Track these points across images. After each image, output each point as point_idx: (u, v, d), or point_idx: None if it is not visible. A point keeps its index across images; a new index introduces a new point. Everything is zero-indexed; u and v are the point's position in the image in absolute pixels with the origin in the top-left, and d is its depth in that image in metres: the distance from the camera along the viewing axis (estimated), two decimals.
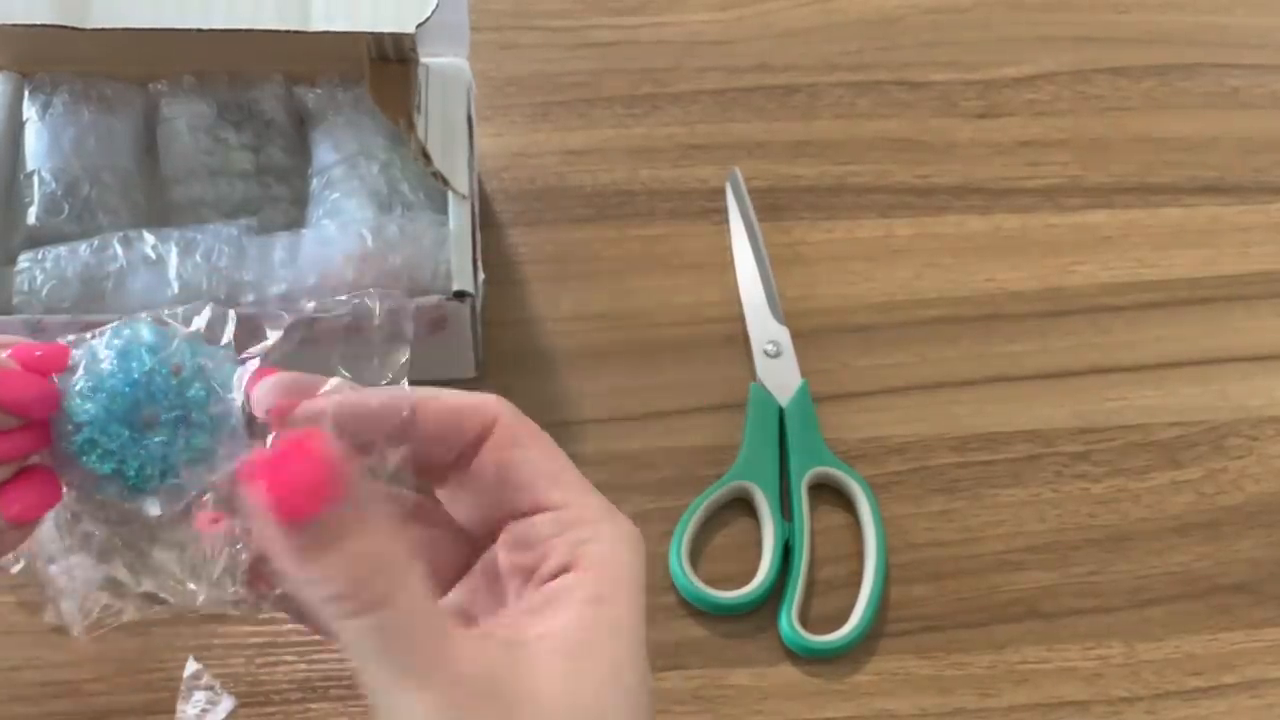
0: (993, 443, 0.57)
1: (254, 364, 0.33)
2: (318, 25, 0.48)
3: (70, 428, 0.32)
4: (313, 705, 0.50)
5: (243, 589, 0.33)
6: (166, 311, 0.34)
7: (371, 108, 0.54)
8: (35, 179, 0.52)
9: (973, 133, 0.65)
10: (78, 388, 0.32)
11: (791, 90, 0.66)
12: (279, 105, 0.56)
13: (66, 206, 0.52)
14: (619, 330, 0.59)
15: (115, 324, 0.33)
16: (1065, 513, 0.55)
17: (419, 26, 0.48)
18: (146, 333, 0.32)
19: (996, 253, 0.62)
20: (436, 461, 0.33)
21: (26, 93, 0.54)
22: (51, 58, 0.54)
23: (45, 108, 0.53)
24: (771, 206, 0.62)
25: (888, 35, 0.67)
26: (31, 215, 0.52)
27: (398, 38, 0.50)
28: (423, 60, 0.53)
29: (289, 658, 0.51)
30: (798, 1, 0.68)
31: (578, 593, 0.31)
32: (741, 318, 0.59)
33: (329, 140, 0.55)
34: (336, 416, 0.30)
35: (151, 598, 0.35)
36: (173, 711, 0.49)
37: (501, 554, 0.33)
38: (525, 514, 0.32)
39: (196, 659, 0.50)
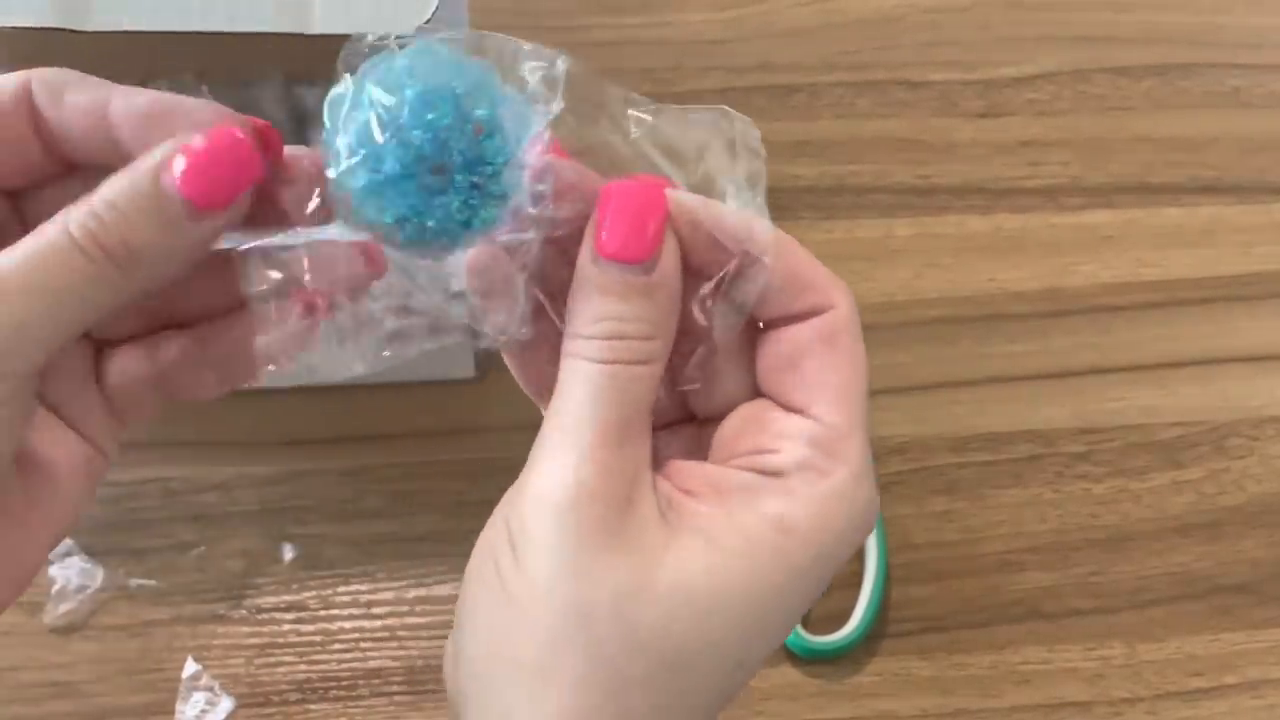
0: (993, 443, 0.57)
1: (545, 133, 0.29)
2: (318, 28, 0.48)
3: (351, 167, 0.28)
4: (312, 706, 0.50)
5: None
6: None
7: None
8: None
9: (973, 132, 0.65)
10: (368, 125, 0.28)
11: (791, 90, 0.65)
12: (278, 105, 0.56)
13: None
14: None
15: (415, 45, 0.30)
16: (1066, 513, 0.55)
17: (419, 29, 0.48)
18: (452, 76, 0.29)
19: (997, 253, 0.62)
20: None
21: None
22: (52, 57, 0.54)
23: None
24: (771, 206, 0.61)
25: (887, 35, 0.67)
26: None
27: (397, 37, 0.50)
28: None
29: (288, 659, 0.51)
30: (797, 1, 0.68)
31: (772, 510, 0.27)
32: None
33: None
34: (684, 219, 0.28)
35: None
36: (172, 712, 0.49)
37: (732, 420, 0.30)
38: (784, 407, 0.29)
39: (196, 660, 0.50)
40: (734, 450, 0.30)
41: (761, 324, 0.30)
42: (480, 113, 0.28)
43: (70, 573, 0.51)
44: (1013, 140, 0.65)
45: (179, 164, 0.27)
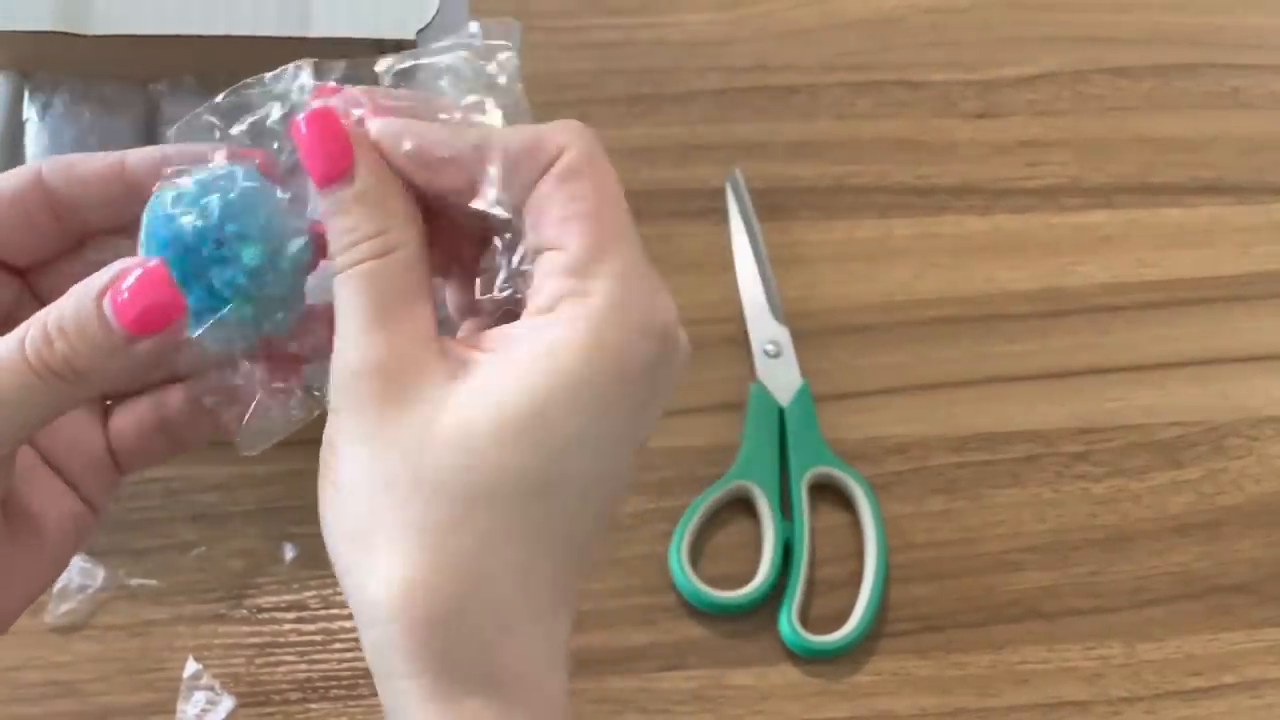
0: (992, 443, 0.57)
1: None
2: (319, 31, 0.48)
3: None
4: (313, 705, 0.50)
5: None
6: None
7: None
8: None
9: (972, 133, 0.65)
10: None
11: (791, 91, 0.66)
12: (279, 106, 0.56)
13: None
14: None
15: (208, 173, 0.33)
16: (1065, 513, 0.55)
17: (420, 33, 0.48)
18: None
19: (996, 253, 0.62)
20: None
21: (27, 93, 0.54)
22: (52, 60, 0.54)
23: (45, 108, 0.54)
24: (771, 207, 0.62)
25: (887, 35, 0.67)
26: None
27: (398, 41, 0.50)
28: (422, 60, 0.53)
29: (289, 658, 0.51)
30: (797, 2, 0.68)
31: (543, 338, 0.29)
32: (741, 318, 0.59)
33: None
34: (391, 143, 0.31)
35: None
36: (173, 712, 0.49)
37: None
38: (543, 248, 0.31)
39: (196, 659, 0.50)
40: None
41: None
42: (230, 228, 0.32)
43: (71, 572, 0.51)
44: (1012, 141, 0.65)
45: (124, 286, 0.30)
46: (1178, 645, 0.53)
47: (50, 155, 0.52)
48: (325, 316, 0.32)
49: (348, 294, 0.30)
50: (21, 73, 0.54)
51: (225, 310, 0.32)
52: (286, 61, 0.56)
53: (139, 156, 0.33)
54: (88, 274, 0.31)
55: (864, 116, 0.65)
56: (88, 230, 0.34)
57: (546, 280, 0.30)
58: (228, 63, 0.55)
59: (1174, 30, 0.69)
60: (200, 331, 0.32)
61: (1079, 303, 0.61)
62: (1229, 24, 0.69)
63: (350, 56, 0.52)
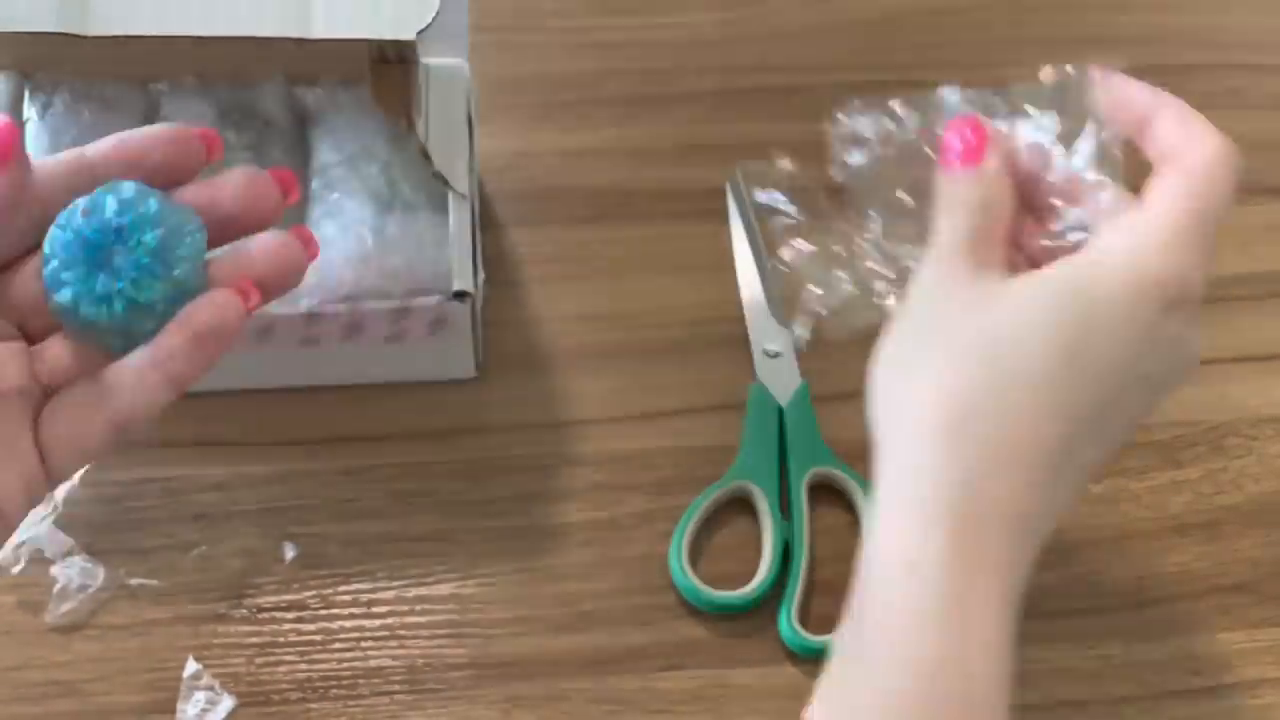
0: None
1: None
2: (319, 32, 0.48)
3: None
4: (313, 705, 0.50)
5: None
6: None
7: (372, 108, 0.54)
8: None
9: None
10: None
11: (791, 91, 0.66)
12: (279, 106, 0.56)
13: None
14: (619, 330, 0.59)
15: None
16: (1064, 512, 0.55)
17: (420, 34, 0.48)
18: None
19: None
20: None
21: (27, 93, 0.54)
22: (53, 60, 0.54)
23: (46, 108, 0.54)
24: (771, 207, 0.62)
25: (887, 36, 0.67)
26: None
27: (398, 42, 0.50)
28: (423, 61, 0.53)
29: (289, 658, 0.51)
30: (797, 3, 0.68)
31: (1096, 245, 0.38)
32: (741, 318, 0.59)
33: (329, 140, 0.55)
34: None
35: None
36: (173, 711, 0.49)
37: None
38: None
39: (197, 659, 0.50)
40: None
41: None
42: (130, 217, 0.36)
43: (72, 572, 0.51)
44: None
45: None
46: (1177, 645, 0.53)
47: (51, 154, 0.52)
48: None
49: (965, 210, 0.39)
50: (22, 73, 0.54)
51: (134, 293, 0.36)
52: (285, 62, 0.56)
53: (96, 147, 0.37)
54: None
55: None
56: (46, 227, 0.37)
57: (1114, 231, 0.37)
58: (228, 63, 0.55)
59: (1172, 31, 0.69)
60: (111, 318, 0.36)
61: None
62: (1227, 24, 0.69)
63: (350, 57, 0.52)
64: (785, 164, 0.50)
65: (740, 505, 0.55)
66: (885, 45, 0.67)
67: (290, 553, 0.53)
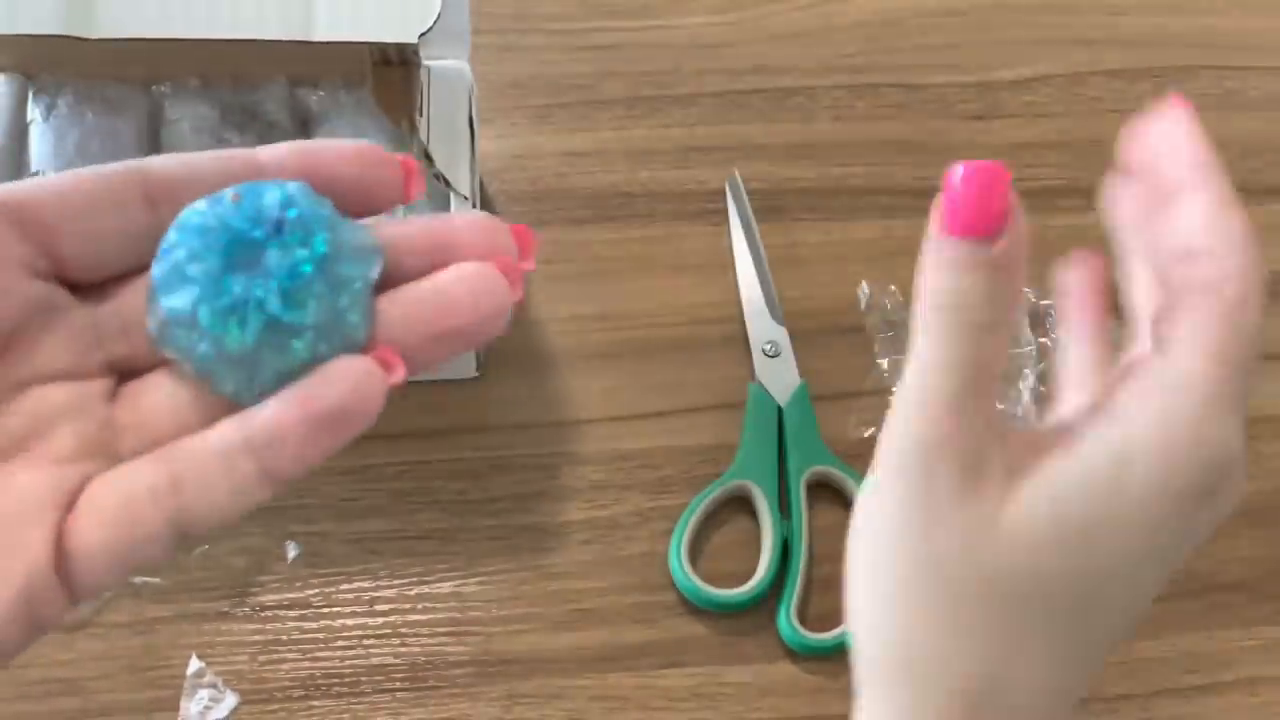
0: None
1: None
2: (321, 35, 0.48)
3: None
4: (315, 703, 0.50)
5: None
6: None
7: (374, 110, 0.54)
8: None
9: (969, 135, 0.65)
10: None
11: (790, 93, 0.66)
12: (282, 107, 0.56)
13: None
14: (619, 330, 0.59)
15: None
16: None
17: (422, 36, 0.49)
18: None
19: None
20: None
21: (30, 95, 0.54)
22: (56, 62, 0.54)
23: (49, 110, 0.54)
24: (770, 208, 0.62)
25: (885, 38, 0.68)
26: None
27: (401, 44, 0.50)
28: (425, 63, 0.54)
29: (292, 655, 0.51)
30: (796, 5, 0.68)
31: (1112, 435, 0.29)
32: (740, 318, 0.59)
33: None
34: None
35: None
36: (176, 709, 0.50)
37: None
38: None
39: (200, 657, 0.51)
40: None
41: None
42: (293, 213, 0.27)
43: None
44: (1009, 143, 0.65)
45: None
46: (1174, 643, 0.53)
47: (54, 157, 0.53)
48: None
49: (942, 362, 0.29)
50: (25, 74, 0.55)
51: (281, 309, 0.26)
52: (289, 64, 0.57)
53: (272, 150, 0.28)
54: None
55: (862, 118, 0.66)
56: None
57: (1129, 376, 0.29)
58: (231, 65, 0.55)
59: (1170, 32, 0.69)
60: (239, 339, 0.26)
61: None
62: (1225, 26, 0.70)
63: (352, 59, 0.52)
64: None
65: (739, 504, 0.55)
66: (884, 47, 0.67)
67: (293, 551, 0.53)
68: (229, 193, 0.27)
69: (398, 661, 0.51)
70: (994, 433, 0.29)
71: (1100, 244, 0.62)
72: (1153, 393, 0.29)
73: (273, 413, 0.26)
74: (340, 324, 0.26)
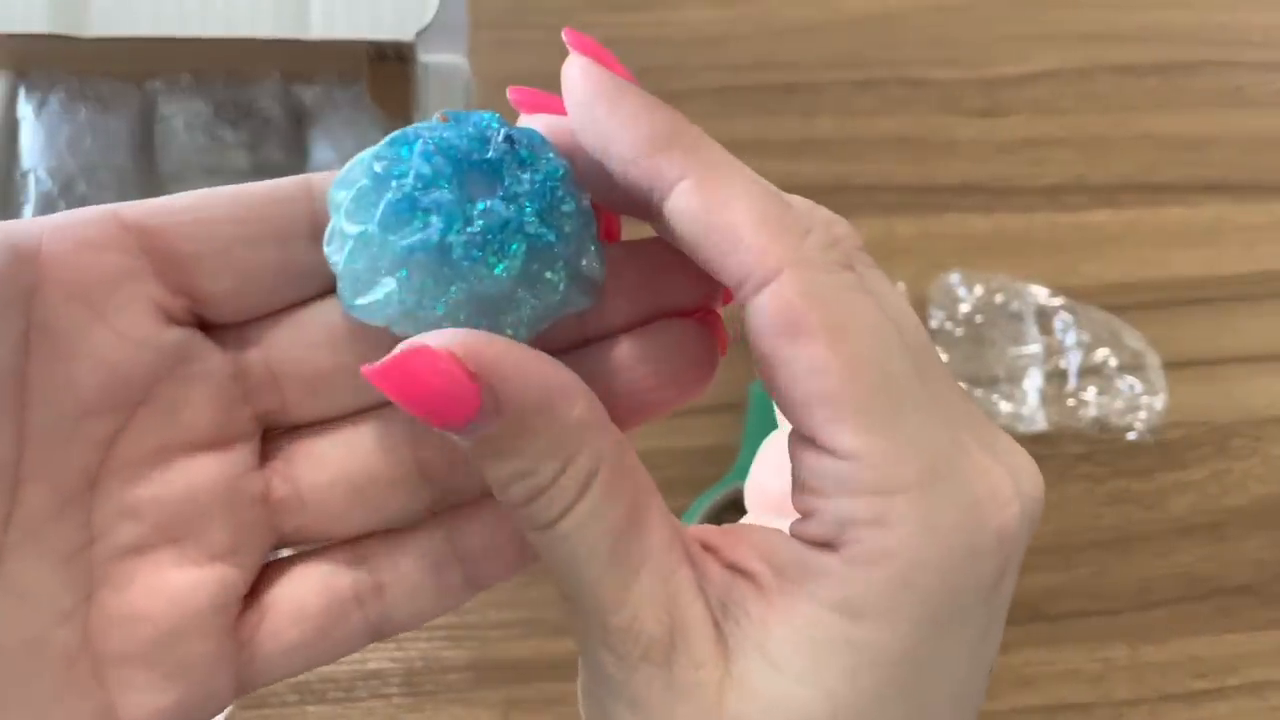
0: None
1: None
2: (316, 33, 0.48)
3: None
4: (310, 708, 0.50)
5: None
6: None
7: (370, 106, 0.54)
8: (31, 178, 0.52)
9: (975, 131, 0.64)
10: None
11: (792, 88, 0.65)
12: (276, 103, 0.55)
13: (62, 205, 0.51)
14: None
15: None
16: (1069, 514, 0.55)
17: (419, 34, 0.48)
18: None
19: (999, 252, 0.61)
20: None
21: (22, 91, 0.54)
22: (48, 59, 0.53)
23: (41, 106, 0.53)
24: None
25: (889, 33, 0.67)
26: (27, 214, 0.51)
27: (397, 43, 0.50)
28: (421, 59, 0.53)
29: None
30: (797, 0, 0.68)
31: (834, 596, 0.21)
32: (741, 317, 0.59)
33: (327, 139, 0.55)
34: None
35: None
36: None
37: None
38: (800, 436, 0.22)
39: None
40: (778, 484, 0.25)
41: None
42: (520, 133, 0.23)
43: None
44: (1015, 139, 0.65)
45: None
46: (1181, 647, 0.53)
47: (46, 153, 0.52)
48: None
49: (561, 557, 0.21)
50: (17, 71, 0.54)
51: (540, 226, 0.22)
52: (282, 60, 0.56)
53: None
54: (321, 334, 0.23)
55: (865, 115, 0.65)
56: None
57: (815, 498, 0.21)
58: (225, 62, 0.55)
59: (1177, 28, 0.69)
60: (507, 264, 0.22)
61: (1082, 302, 0.60)
62: (1232, 21, 0.69)
63: (347, 55, 0.52)
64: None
65: (740, 506, 0.54)
66: (886, 42, 0.67)
67: (286, 553, 0.52)
68: (434, 118, 0.23)
69: (394, 666, 0.51)
70: (681, 579, 0.22)
71: (1107, 241, 0.62)
72: (851, 517, 0.21)
73: (486, 527, 0.24)
74: (584, 253, 0.23)
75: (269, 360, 0.23)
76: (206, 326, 0.23)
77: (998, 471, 0.22)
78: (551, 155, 0.23)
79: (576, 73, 0.23)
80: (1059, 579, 0.53)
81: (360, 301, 0.22)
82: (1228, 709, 0.52)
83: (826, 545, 0.21)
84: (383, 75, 0.52)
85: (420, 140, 0.22)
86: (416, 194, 0.22)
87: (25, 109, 0.53)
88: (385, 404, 0.23)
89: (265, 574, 0.24)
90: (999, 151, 0.64)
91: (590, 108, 0.22)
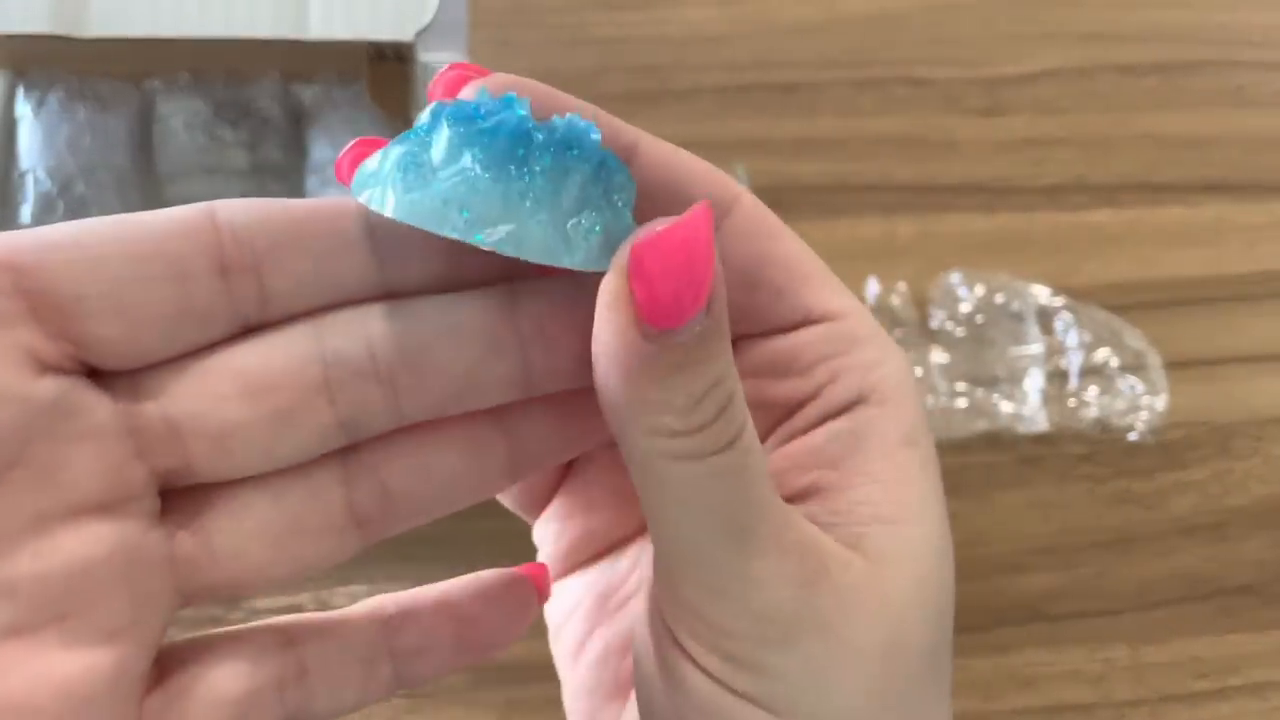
0: (996, 443, 0.56)
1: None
2: (315, 33, 0.48)
3: None
4: None
5: None
6: None
7: (369, 106, 0.53)
8: (29, 178, 0.52)
9: (975, 131, 0.64)
10: None
11: (793, 88, 0.65)
12: (275, 103, 0.55)
13: (61, 205, 0.51)
14: None
15: None
16: (1069, 514, 0.55)
17: (419, 34, 0.48)
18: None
19: (999, 252, 0.61)
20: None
21: (20, 90, 0.54)
22: (47, 58, 0.53)
23: (39, 105, 0.53)
24: (772, 205, 0.61)
25: (890, 32, 0.67)
26: (25, 214, 0.51)
27: (397, 43, 0.50)
28: (421, 59, 0.53)
29: None
30: None
31: (891, 435, 0.23)
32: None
33: (326, 138, 0.55)
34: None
35: None
36: None
37: (749, 382, 0.25)
38: (781, 328, 0.23)
39: None
40: (776, 406, 0.24)
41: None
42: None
43: None
44: (1016, 138, 0.64)
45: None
46: (1183, 648, 0.53)
47: (45, 153, 0.52)
48: None
49: (703, 503, 0.20)
50: (15, 70, 0.54)
51: (613, 216, 0.22)
52: (283, 62, 0.56)
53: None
54: (225, 387, 0.21)
55: (866, 114, 0.65)
56: (261, 307, 0.21)
57: (837, 362, 0.23)
58: (224, 62, 0.54)
59: (1179, 27, 0.68)
60: (585, 251, 0.21)
61: (1082, 302, 0.60)
62: (1234, 21, 0.69)
63: (347, 55, 0.51)
64: None
65: None
66: (886, 41, 0.67)
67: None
68: (474, 91, 0.22)
69: None
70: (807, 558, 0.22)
71: (1108, 241, 0.62)
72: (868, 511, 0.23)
73: (425, 627, 0.24)
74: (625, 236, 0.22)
75: (168, 413, 0.21)
76: (95, 374, 0.20)
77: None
78: (596, 134, 0.23)
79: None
80: (1059, 579, 0.53)
81: (490, 234, 0.21)
82: (1229, 710, 0.52)
83: (858, 401, 0.23)
84: (382, 75, 0.52)
85: (469, 118, 0.21)
86: (473, 176, 0.21)
87: (24, 108, 0.53)
88: (312, 461, 0.22)
89: (177, 651, 0.22)
90: (999, 151, 0.64)
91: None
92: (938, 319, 0.58)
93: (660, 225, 0.20)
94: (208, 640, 0.22)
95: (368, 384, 0.21)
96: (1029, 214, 0.62)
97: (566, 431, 0.23)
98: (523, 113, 0.22)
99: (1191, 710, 0.51)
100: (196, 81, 0.55)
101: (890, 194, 0.62)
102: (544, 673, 0.51)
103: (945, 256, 0.61)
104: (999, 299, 0.59)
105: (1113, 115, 0.65)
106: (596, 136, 0.22)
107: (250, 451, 0.21)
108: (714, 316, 0.20)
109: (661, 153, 0.24)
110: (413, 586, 0.52)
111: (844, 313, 0.24)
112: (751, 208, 0.25)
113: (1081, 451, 0.56)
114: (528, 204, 0.21)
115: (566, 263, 0.21)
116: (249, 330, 0.21)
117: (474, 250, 0.21)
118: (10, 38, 0.49)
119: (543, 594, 0.26)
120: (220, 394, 0.21)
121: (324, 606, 0.51)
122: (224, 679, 0.21)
